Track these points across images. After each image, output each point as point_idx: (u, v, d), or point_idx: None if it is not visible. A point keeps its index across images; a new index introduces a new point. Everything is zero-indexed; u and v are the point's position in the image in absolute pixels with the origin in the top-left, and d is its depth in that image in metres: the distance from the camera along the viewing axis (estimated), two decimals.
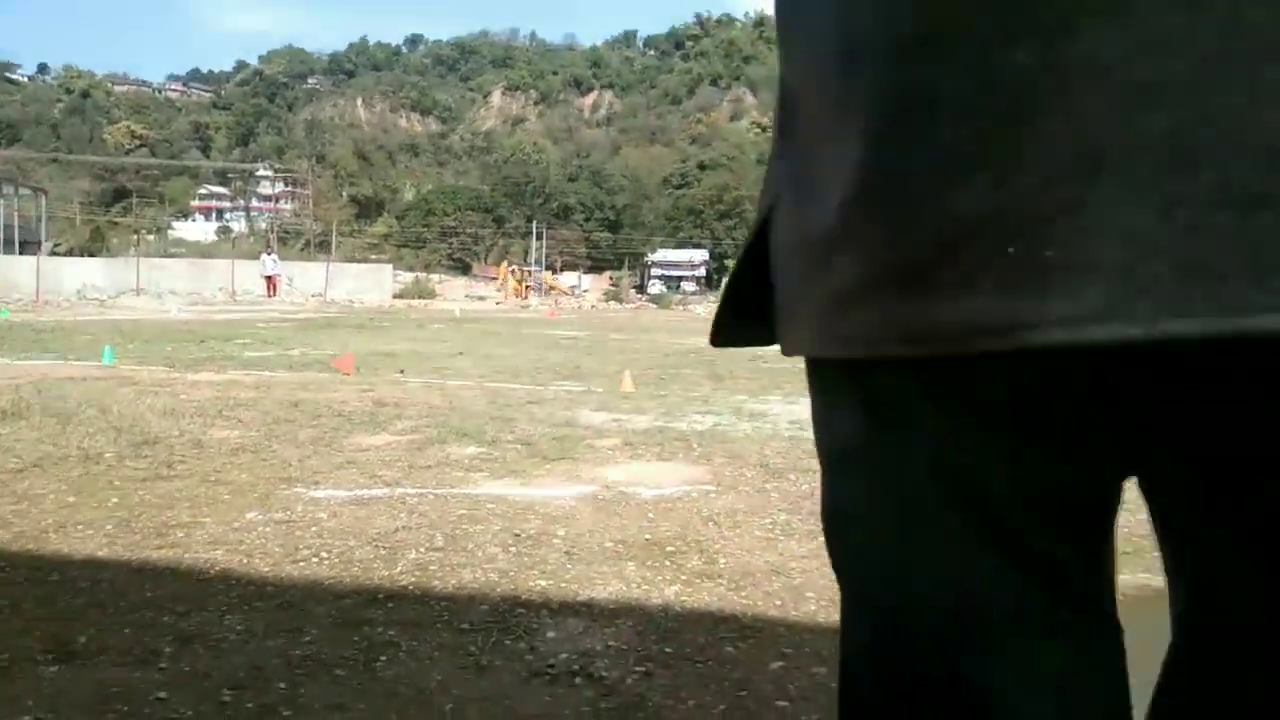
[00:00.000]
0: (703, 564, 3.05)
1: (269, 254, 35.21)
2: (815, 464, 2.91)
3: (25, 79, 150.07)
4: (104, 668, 2.17)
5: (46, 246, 49.34)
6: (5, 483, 3.97)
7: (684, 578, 2.91)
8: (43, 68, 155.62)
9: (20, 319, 17.40)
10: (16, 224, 49.87)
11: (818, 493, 2.89)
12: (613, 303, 41.56)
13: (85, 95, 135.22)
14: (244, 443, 4.93)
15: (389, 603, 2.64)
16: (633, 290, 46.60)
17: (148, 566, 2.92)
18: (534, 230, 79.43)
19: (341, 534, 3.28)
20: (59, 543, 3.15)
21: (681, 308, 38.49)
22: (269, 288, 30.98)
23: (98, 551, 3.06)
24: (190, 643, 2.31)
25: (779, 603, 2.73)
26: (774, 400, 7.35)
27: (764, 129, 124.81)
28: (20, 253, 39.23)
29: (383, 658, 2.25)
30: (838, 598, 2.63)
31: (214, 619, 2.48)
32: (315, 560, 3.00)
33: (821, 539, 2.27)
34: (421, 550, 3.13)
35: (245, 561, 2.98)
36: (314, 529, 3.34)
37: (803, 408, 6.86)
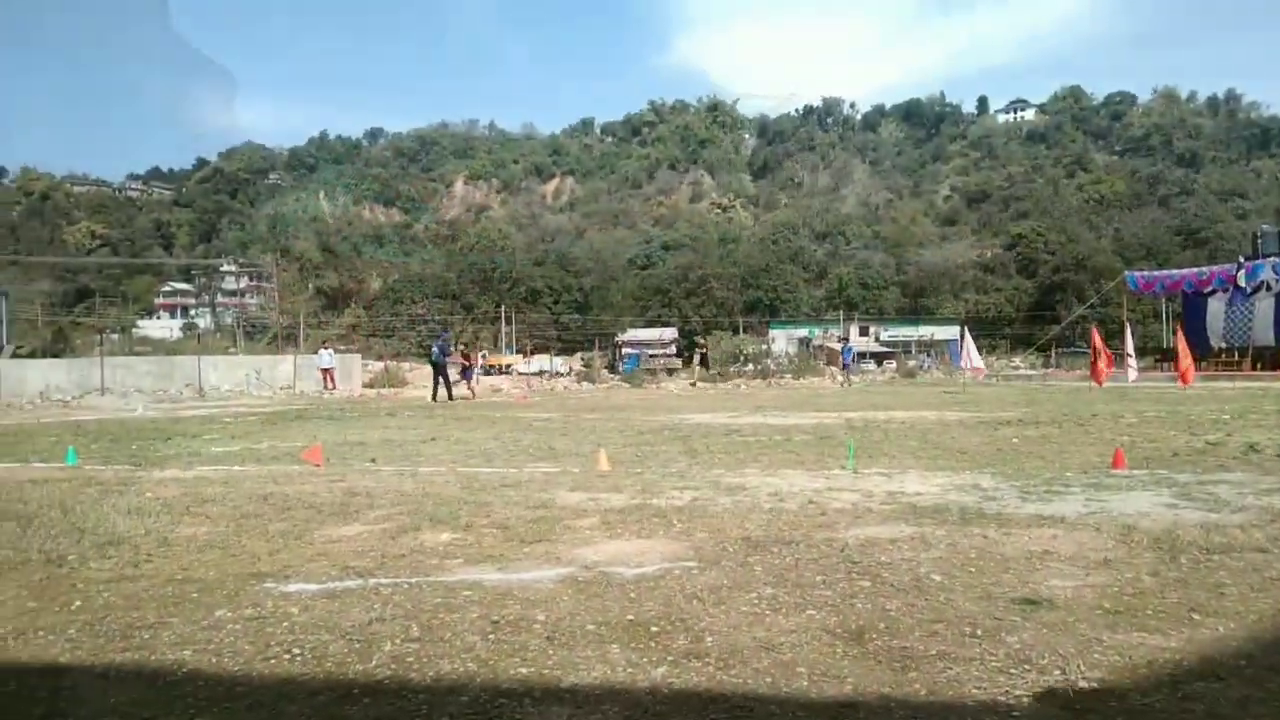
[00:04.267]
0: (689, 643, 2.97)
1: (325, 348, 35.25)
2: (798, 536, 2.93)
3: None
4: None
5: (8, 349, 48.68)
6: None
7: (671, 658, 2.83)
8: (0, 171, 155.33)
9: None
10: None
11: (802, 565, 2.88)
12: (585, 383, 41.46)
13: (45, 198, 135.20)
14: (212, 539, 4.79)
15: (365, 698, 2.54)
16: (604, 370, 46.58)
17: (112, 670, 2.79)
18: (503, 315, 79.69)
19: (314, 628, 3.17)
20: (18, 650, 3.01)
21: (654, 385, 38.48)
22: (326, 380, 30.80)
23: (59, 658, 2.93)
24: None
25: (769, 680, 2.66)
26: (751, 473, 7.31)
27: (724, 209, 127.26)
28: None
29: None
30: (831, 672, 2.59)
31: None
32: (287, 657, 2.89)
33: (811, 612, 2.22)
34: (397, 642, 3.02)
35: (214, 661, 2.86)
36: (285, 624, 3.23)
37: (781, 480, 6.83)
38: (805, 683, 2.63)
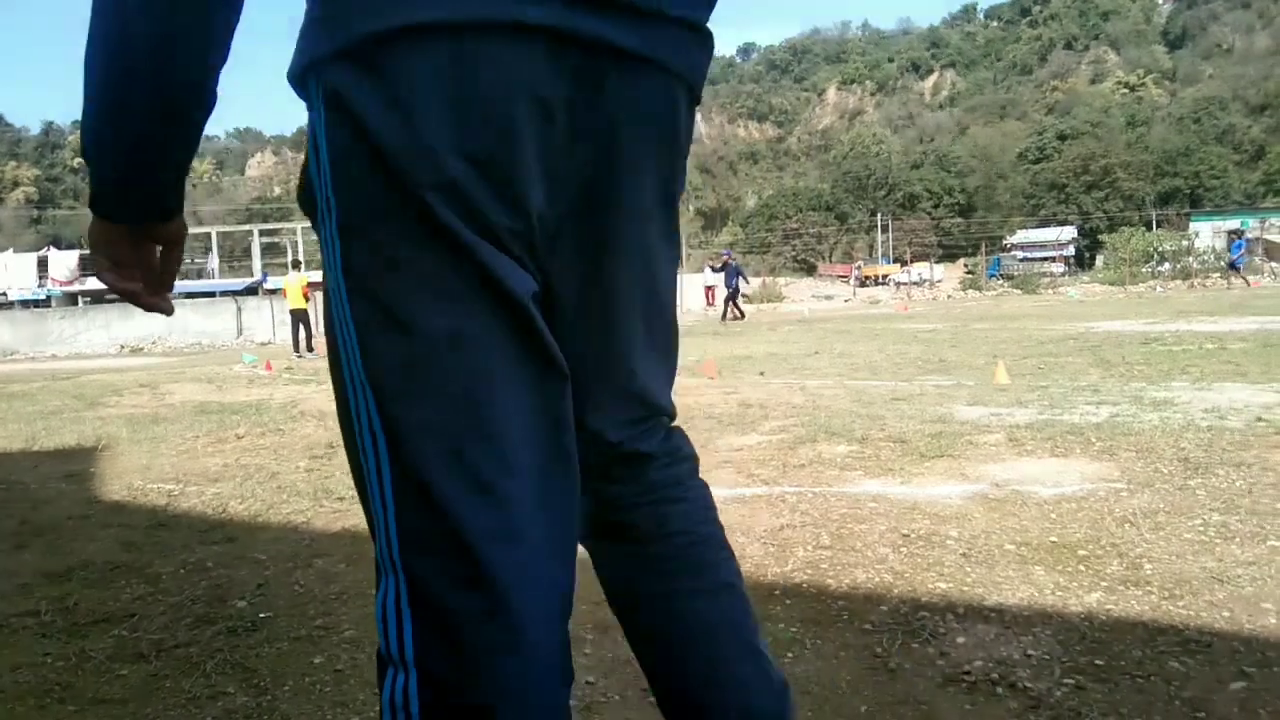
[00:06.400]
0: (1124, 570, 2.73)
1: (709, 267, 37.56)
2: (1249, 458, 2.58)
3: None
4: None
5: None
6: None
7: (1105, 584, 2.62)
8: None
9: None
10: None
11: (1257, 490, 2.53)
12: (971, 291, 39.40)
13: None
14: None
15: (786, 599, 2.65)
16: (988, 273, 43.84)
17: None
18: (878, 223, 77.69)
19: (730, 531, 3.33)
20: None
21: (1051, 291, 35.59)
22: (709, 297, 32.84)
23: None
24: (609, 631, 2.46)
25: (1227, 614, 2.37)
26: (1180, 387, 6.51)
27: (1132, 88, 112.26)
28: None
29: (789, 654, 2.25)
30: None
31: None
32: None
33: (1273, 542, 1.97)
34: (809, 548, 3.11)
35: None
36: None
37: (1219, 394, 5.99)
38: (1274, 620, 2.31)
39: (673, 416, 1.17)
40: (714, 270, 25.53)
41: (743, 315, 22.65)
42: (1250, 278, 30.12)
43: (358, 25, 0.80)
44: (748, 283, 23.73)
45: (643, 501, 1.11)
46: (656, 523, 1.11)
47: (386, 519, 0.87)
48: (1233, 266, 29.40)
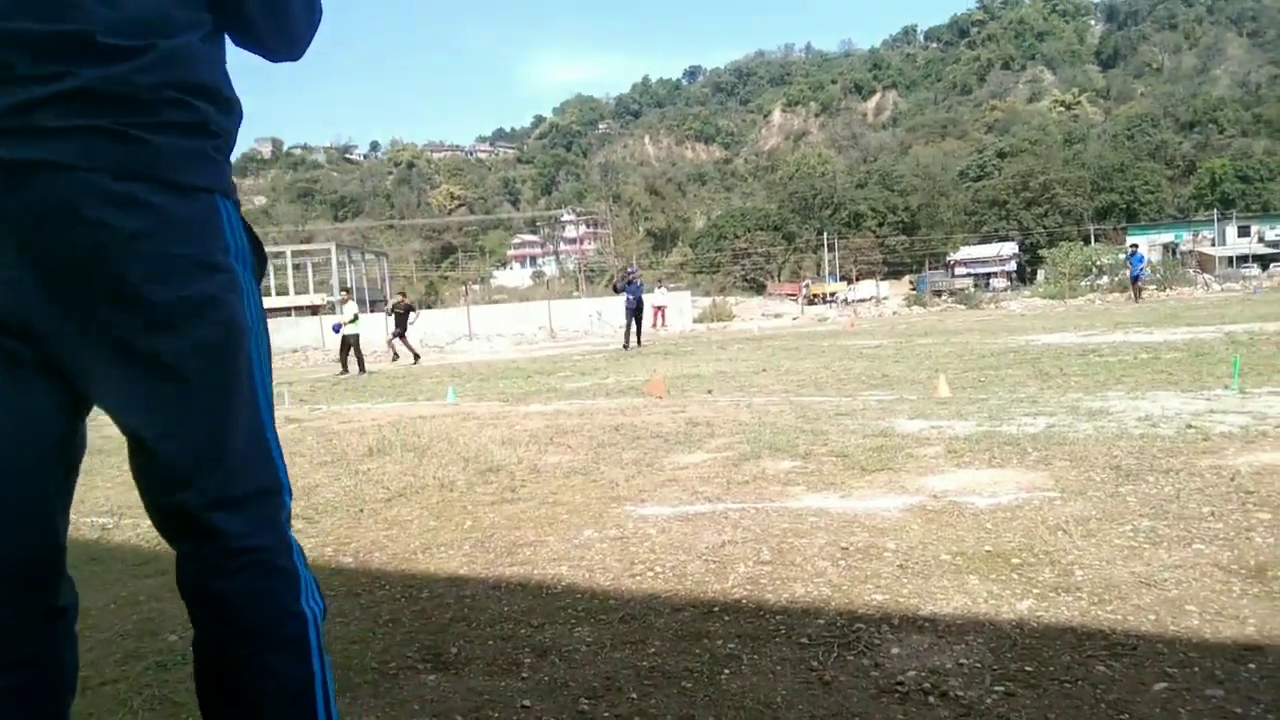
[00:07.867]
0: (1056, 577, 2.79)
1: (661, 287, 36.76)
2: (1177, 464, 2.68)
3: (361, 157, 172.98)
4: (474, 676, 2.35)
5: (391, 304, 56.24)
6: (377, 510, 4.48)
7: (1036, 591, 2.67)
8: (374, 145, 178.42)
9: (375, 368, 19.84)
10: (365, 285, 57.29)
11: (1184, 495, 2.62)
12: (915, 307, 40.00)
13: (410, 165, 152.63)
14: (575, 466, 5.23)
15: (725, 615, 2.66)
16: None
17: (502, 582, 3.15)
18: (825, 242, 78.63)
19: (672, 549, 3.36)
20: (426, 562, 3.49)
21: (993, 305, 36.25)
22: (659, 317, 32.26)
23: (459, 570, 3.35)
24: (546, 654, 2.45)
25: (1153, 617, 2.42)
26: (1115, 396, 6.67)
27: (1068, 107, 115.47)
28: (370, 311, 44.79)
29: (726, 670, 2.26)
30: (1226, 611, 2.30)
31: (565, 631, 2.62)
32: (650, 574, 3.09)
33: (1198, 545, 2.02)
34: (750, 564, 3.13)
35: (587, 576, 3.13)
36: (646, 545, 3.46)
37: (1151, 403, 6.15)
38: (1196, 621, 2.37)
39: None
40: (616, 290, 23.68)
41: (627, 344, 19.98)
42: (1142, 292, 30.48)
43: None
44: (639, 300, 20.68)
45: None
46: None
47: None
48: (1134, 279, 29.81)
